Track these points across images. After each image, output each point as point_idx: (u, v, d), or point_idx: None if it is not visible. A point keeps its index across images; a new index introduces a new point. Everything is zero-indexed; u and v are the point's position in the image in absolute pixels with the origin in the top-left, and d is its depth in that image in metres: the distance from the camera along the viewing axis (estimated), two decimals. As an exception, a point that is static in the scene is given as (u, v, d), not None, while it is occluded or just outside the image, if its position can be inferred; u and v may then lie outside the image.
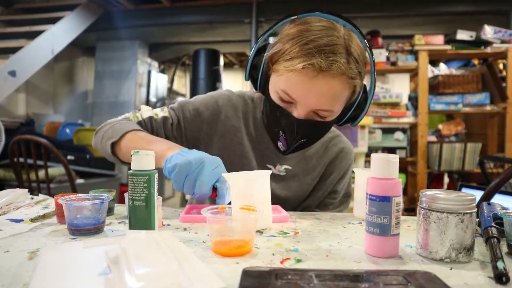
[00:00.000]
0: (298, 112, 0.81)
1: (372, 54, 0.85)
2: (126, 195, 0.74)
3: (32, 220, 0.73)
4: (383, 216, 0.54)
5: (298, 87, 0.78)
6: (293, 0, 3.85)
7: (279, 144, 0.88)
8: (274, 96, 0.84)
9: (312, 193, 1.04)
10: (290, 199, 1.00)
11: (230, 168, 0.92)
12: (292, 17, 0.84)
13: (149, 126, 0.96)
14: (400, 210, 0.56)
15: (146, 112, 0.97)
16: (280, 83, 0.81)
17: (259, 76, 0.86)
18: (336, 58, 0.75)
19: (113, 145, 0.87)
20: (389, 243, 0.55)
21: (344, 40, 0.78)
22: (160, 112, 0.97)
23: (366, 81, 0.88)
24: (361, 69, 0.80)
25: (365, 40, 0.83)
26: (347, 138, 1.07)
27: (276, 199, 0.96)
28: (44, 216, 0.75)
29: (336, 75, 0.76)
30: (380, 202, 0.54)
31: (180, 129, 0.97)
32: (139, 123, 0.95)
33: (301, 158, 1.01)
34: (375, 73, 0.86)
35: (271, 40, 0.86)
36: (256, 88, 0.90)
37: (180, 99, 6.31)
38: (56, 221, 0.74)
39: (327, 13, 0.82)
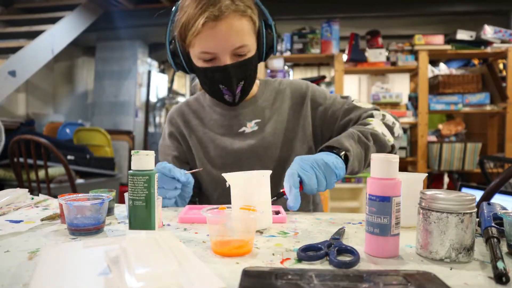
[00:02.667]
0: (222, 60, 0.92)
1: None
2: (126, 195, 0.74)
3: (43, 219, 0.73)
4: (383, 216, 0.54)
5: (209, 41, 0.90)
6: None
7: (226, 97, 0.98)
8: (199, 63, 0.94)
9: (314, 139, 1.07)
10: (274, 140, 1.03)
11: (213, 155, 1.04)
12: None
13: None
14: (400, 210, 0.56)
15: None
16: (196, 49, 0.92)
17: (181, 58, 0.96)
18: (221, 3, 0.87)
19: None
20: (389, 243, 0.55)
21: None
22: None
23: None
24: (247, 3, 0.92)
25: None
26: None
27: (261, 149, 1.02)
28: (53, 217, 0.75)
29: (229, 15, 0.88)
30: (380, 202, 0.55)
31: (177, 158, 1.10)
32: None
33: (265, 109, 1.07)
34: (263, 5, 0.97)
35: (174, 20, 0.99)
36: (186, 72, 1.00)
37: (180, 99, 6.32)
38: (59, 220, 0.74)
39: None
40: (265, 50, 0.98)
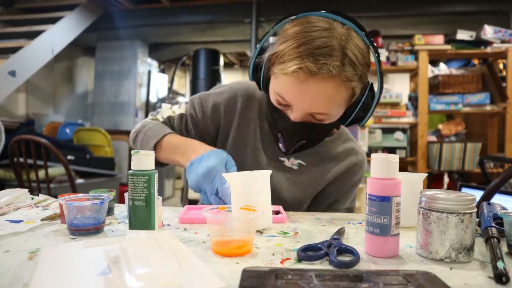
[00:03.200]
0: (294, 115, 0.81)
1: (377, 53, 0.83)
2: (126, 195, 0.74)
3: (43, 219, 0.73)
4: (383, 216, 0.54)
5: (290, 90, 0.79)
6: None
7: (280, 144, 0.90)
8: (272, 98, 0.84)
9: (320, 195, 1.03)
10: (297, 194, 1.00)
11: (243, 158, 0.97)
12: (291, 17, 0.82)
13: (169, 125, 1.01)
14: (400, 210, 0.56)
15: (165, 111, 1.03)
16: (276, 86, 0.82)
17: (261, 77, 0.86)
18: (327, 61, 0.73)
19: (155, 146, 0.92)
20: (389, 243, 0.55)
21: (340, 41, 0.76)
22: (178, 110, 1.03)
23: (373, 81, 0.86)
24: (360, 70, 0.78)
25: (370, 39, 0.81)
26: (361, 147, 1.07)
27: (284, 193, 0.97)
28: (53, 217, 0.75)
29: (327, 78, 0.75)
30: (380, 202, 0.55)
31: (199, 122, 1.00)
32: (163, 123, 1.01)
33: (318, 158, 1.00)
34: (382, 73, 0.84)
35: (272, 40, 0.85)
36: (260, 89, 0.90)
37: (180, 99, 6.31)
38: (59, 220, 0.74)
39: (329, 12, 0.81)
40: (352, 119, 0.85)
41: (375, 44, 0.83)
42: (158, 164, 0.95)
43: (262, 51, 0.85)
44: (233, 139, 0.99)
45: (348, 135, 1.05)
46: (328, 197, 1.03)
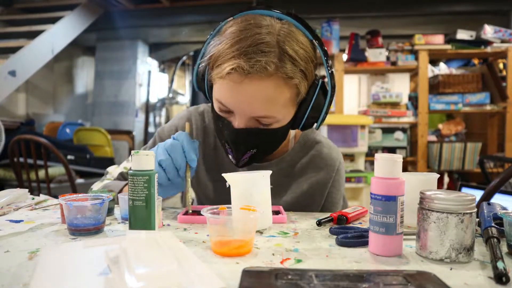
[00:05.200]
0: (237, 122, 0.75)
1: (322, 46, 0.76)
2: (120, 196, 0.74)
3: (36, 203, 0.72)
4: (389, 215, 0.55)
5: (227, 94, 0.73)
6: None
7: (230, 156, 0.82)
8: (216, 106, 0.78)
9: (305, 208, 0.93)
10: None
11: (203, 181, 0.95)
12: (229, 18, 0.76)
13: (123, 178, 0.98)
14: (404, 209, 0.56)
15: (114, 171, 1.01)
16: (215, 92, 0.76)
17: (205, 86, 0.80)
18: (262, 58, 0.68)
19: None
20: (394, 242, 0.55)
21: (278, 37, 0.70)
22: (128, 164, 1.00)
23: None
24: (302, 66, 0.72)
25: (314, 33, 0.75)
26: (331, 145, 0.97)
27: None
28: (44, 201, 0.74)
29: (264, 77, 0.69)
30: (385, 201, 0.55)
31: None
32: (117, 179, 0.98)
33: (281, 175, 0.92)
34: (331, 67, 0.77)
35: (210, 44, 0.79)
36: (207, 98, 0.83)
37: (180, 99, 6.32)
38: (60, 220, 0.74)
39: (268, 9, 0.75)
40: (305, 122, 0.79)
41: (319, 38, 0.76)
42: None
43: (203, 57, 0.79)
44: (198, 171, 0.96)
45: (314, 140, 0.96)
46: (312, 206, 0.96)
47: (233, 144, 0.78)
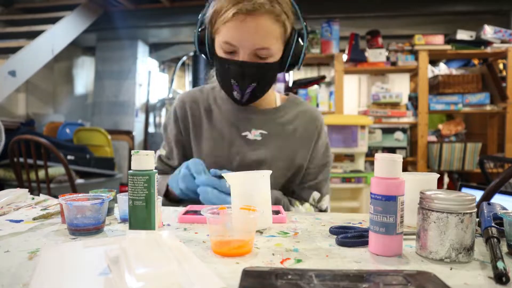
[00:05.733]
0: (241, 56, 0.91)
1: (296, 3, 0.95)
2: (118, 196, 0.74)
3: (35, 219, 0.73)
4: (389, 215, 0.55)
5: (234, 32, 0.89)
6: None
7: (234, 93, 0.97)
8: (220, 52, 0.94)
9: (295, 158, 1.06)
10: (267, 160, 1.03)
11: (214, 150, 1.05)
12: None
13: (159, 163, 1.14)
14: (404, 209, 0.56)
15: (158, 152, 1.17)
16: (221, 37, 0.92)
17: (206, 44, 0.96)
18: (257, 0, 0.87)
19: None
20: (394, 242, 0.55)
21: None
22: (159, 152, 1.16)
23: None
24: (285, 9, 0.91)
25: None
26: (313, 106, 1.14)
27: (253, 163, 1.02)
28: (46, 216, 0.75)
29: (262, 14, 0.88)
30: (385, 201, 0.55)
31: (180, 143, 1.11)
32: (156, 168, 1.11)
33: (275, 124, 1.06)
34: (304, 20, 0.97)
35: (209, 7, 0.97)
36: (207, 58, 0.99)
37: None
38: (60, 220, 0.74)
39: None
40: (290, 61, 0.97)
41: None
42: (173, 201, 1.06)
43: (202, 24, 0.97)
44: (197, 140, 1.07)
45: (297, 99, 1.13)
46: (301, 164, 1.06)
47: (239, 76, 0.93)
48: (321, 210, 1.08)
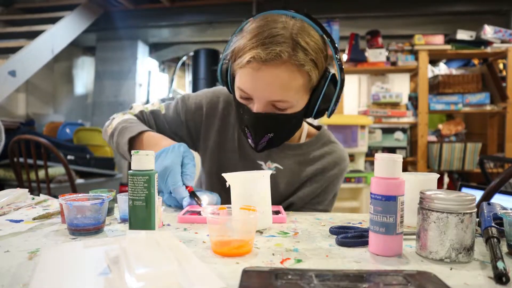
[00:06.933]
0: (256, 106, 0.83)
1: (333, 42, 0.84)
2: (118, 196, 0.74)
3: (35, 219, 0.73)
4: (389, 215, 0.55)
5: (247, 81, 0.82)
6: (293, -1, 3.87)
7: (249, 140, 0.91)
8: (237, 95, 0.88)
9: (296, 195, 1.01)
10: (272, 195, 0.99)
11: (223, 162, 1.01)
12: (250, 18, 0.86)
13: (142, 118, 1.07)
14: (404, 209, 0.56)
15: (137, 108, 1.10)
16: (237, 81, 0.85)
17: (227, 79, 0.89)
18: (276, 48, 0.76)
19: (130, 140, 0.97)
20: (394, 242, 0.55)
21: (291, 31, 0.79)
22: (150, 107, 1.09)
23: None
24: (312, 56, 0.80)
25: (324, 30, 0.84)
26: (342, 147, 1.05)
27: None
28: (46, 216, 0.75)
29: (279, 64, 0.78)
30: (385, 201, 0.55)
31: (180, 120, 1.05)
32: (135, 116, 1.07)
33: (295, 161, 1.00)
34: (340, 60, 0.86)
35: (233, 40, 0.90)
36: (230, 92, 0.93)
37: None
38: (60, 220, 0.74)
39: (285, 9, 0.84)
40: (317, 109, 0.87)
41: (330, 34, 0.85)
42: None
43: (226, 57, 0.90)
44: (214, 143, 1.03)
45: (328, 138, 1.04)
46: (304, 197, 1.01)
47: (252, 128, 0.86)
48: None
